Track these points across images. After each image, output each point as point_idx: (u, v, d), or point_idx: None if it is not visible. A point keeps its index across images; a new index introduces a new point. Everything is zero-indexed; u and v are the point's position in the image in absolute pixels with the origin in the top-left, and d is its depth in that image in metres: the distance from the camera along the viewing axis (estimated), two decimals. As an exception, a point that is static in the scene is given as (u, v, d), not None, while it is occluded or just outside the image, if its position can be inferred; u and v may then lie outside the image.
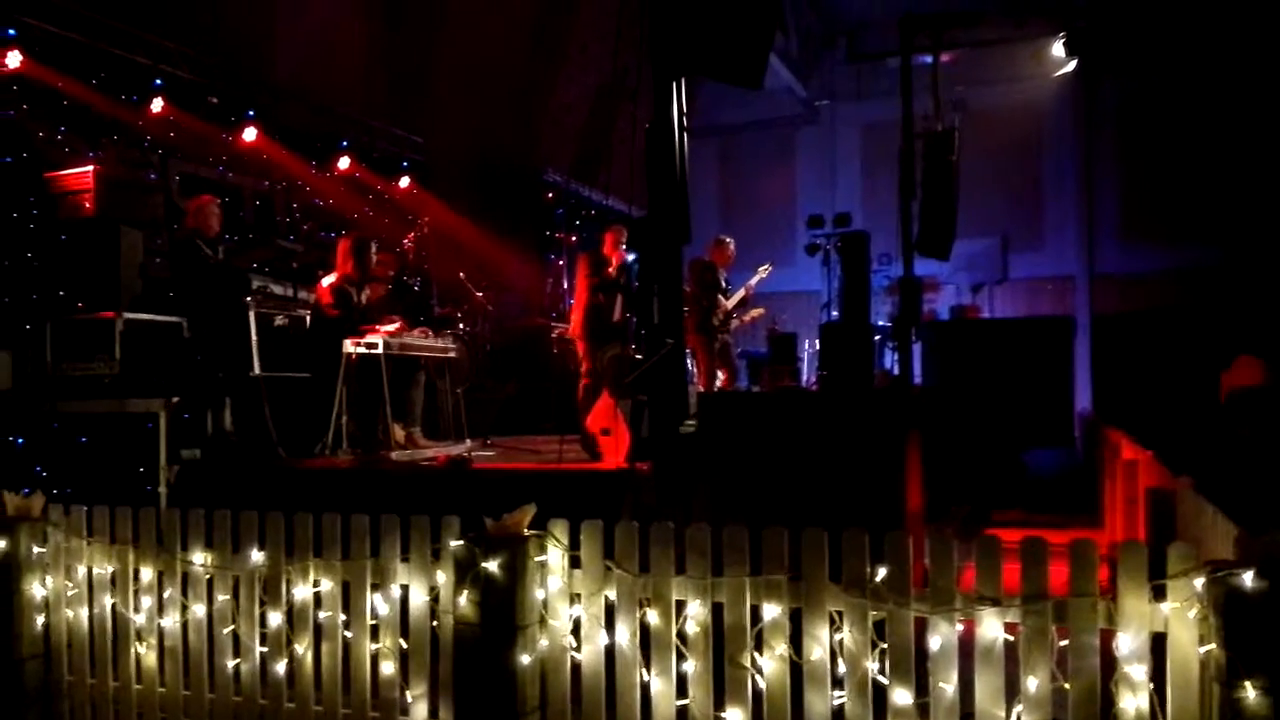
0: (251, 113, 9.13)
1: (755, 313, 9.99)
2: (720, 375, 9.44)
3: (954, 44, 12.89)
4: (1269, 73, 13.78)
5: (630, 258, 8.58)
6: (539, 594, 3.47)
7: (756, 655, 3.25)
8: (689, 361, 9.75)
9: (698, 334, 9.28)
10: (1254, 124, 14.02)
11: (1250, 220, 14.07)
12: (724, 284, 9.60)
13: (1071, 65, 14.63)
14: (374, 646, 3.74)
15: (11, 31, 7.01)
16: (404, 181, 11.18)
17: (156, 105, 8.14)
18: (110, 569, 4.15)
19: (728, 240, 9.89)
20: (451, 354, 7.75)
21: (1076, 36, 13.94)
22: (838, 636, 3.17)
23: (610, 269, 8.09)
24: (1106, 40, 14.29)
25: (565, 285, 11.38)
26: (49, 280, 6.97)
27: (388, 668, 3.70)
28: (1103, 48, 14.39)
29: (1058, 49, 14.34)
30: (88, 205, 7.43)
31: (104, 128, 7.85)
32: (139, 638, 4.11)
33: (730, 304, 9.58)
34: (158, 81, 8.15)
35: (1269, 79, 13.80)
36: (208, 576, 3.99)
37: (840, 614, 3.17)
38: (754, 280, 9.93)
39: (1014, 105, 15.67)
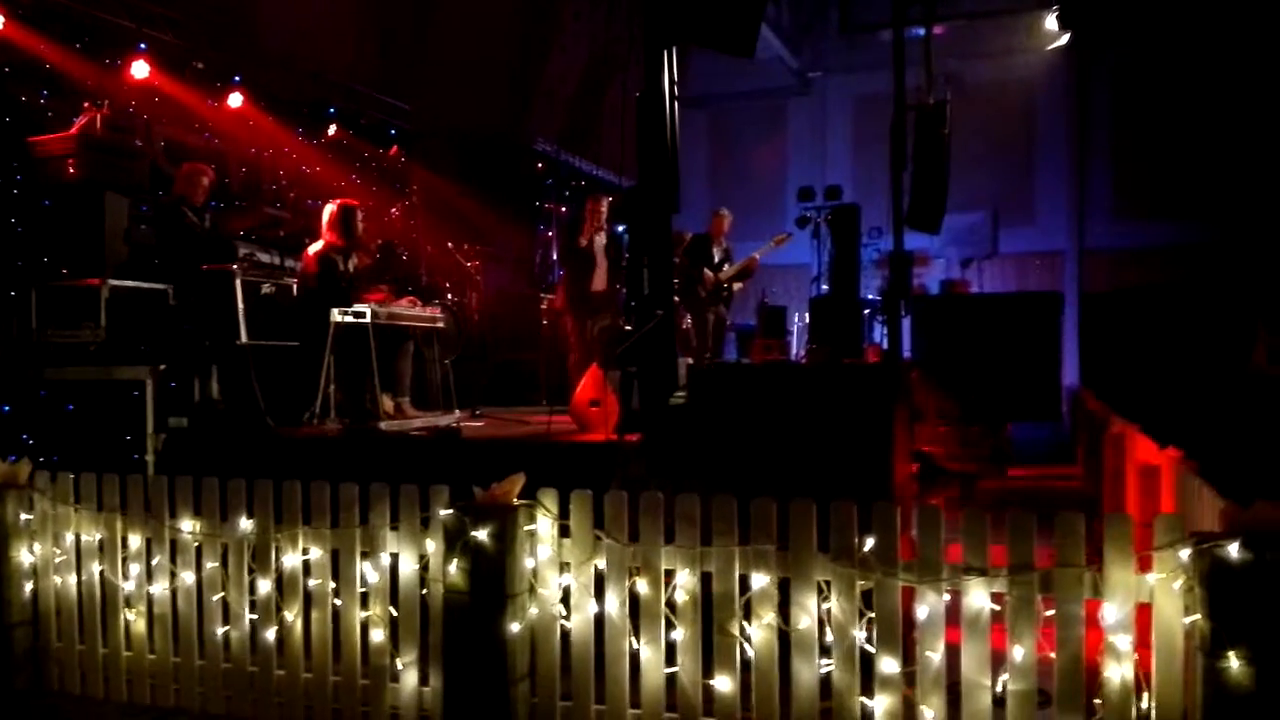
0: (238, 78, 9.02)
1: (741, 264, 9.69)
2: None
3: (947, 16, 12.86)
4: (1262, 49, 13.76)
5: (620, 228, 8.55)
6: (528, 563, 3.48)
7: (745, 624, 3.27)
8: None
9: (685, 307, 9.26)
10: (1246, 101, 14.03)
11: (1241, 197, 14.11)
12: (719, 257, 9.55)
13: (1064, 39, 14.62)
14: (364, 614, 3.75)
15: (-7, -7, 6.91)
16: (392, 150, 11.09)
17: (142, 70, 8.02)
18: (98, 536, 4.14)
19: (724, 212, 9.85)
20: (440, 324, 7.71)
21: (1069, 10, 13.91)
22: (825, 606, 3.19)
23: (582, 239, 8.05)
24: (1099, 14, 14.26)
25: (554, 255, 11.35)
26: (33, 246, 6.90)
27: (377, 635, 3.72)
28: (1095, 22, 14.36)
29: (1050, 23, 14.33)
30: (72, 170, 7.34)
31: (88, 92, 7.74)
32: (128, 605, 4.11)
33: (725, 276, 9.52)
34: (142, 46, 8.04)
35: (1262, 55, 13.79)
36: (196, 544, 3.99)
37: (828, 583, 3.19)
38: (759, 251, 9.79)
39: (1006, 79, 15.62)
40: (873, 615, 3.13)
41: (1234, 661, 2.57)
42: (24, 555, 4.21)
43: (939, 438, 9.12)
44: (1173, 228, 14.67)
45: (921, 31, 11.58)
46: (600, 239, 8.14)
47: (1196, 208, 14.47)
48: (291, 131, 9.91)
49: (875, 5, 14.12)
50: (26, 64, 7.25)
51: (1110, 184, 15.55)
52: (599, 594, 3.44)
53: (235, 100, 8.99)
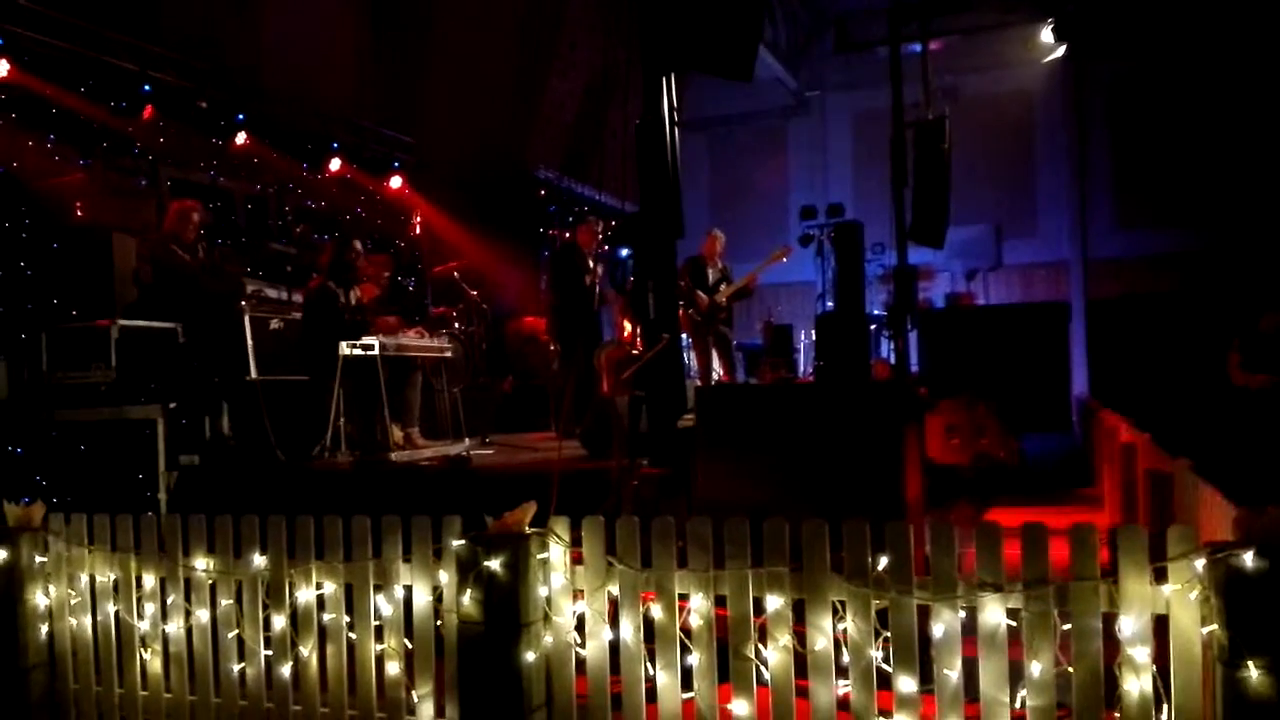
0: (241, 117, 9.12)
1: (740, 283, 9.57)
2: (719, 369, 9.40)
3: (943, 31, 12.93)
4: (1260, 55, 13.79)
5: (624, 253, 8.60)
6: (542, 591, 3.48)
7: (761, 646, 3.26)
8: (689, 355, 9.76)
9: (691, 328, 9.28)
10: (1245, 107, 14.04)
11: (1242, 203, 14.10)
12: (714, 277, 9.47)
13: (1061, 50, 14.67)
14: (379, 647, 3.75)
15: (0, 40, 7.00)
16: (396, 182, 11.17)
17: (146, 111, 8.13)
18: (113, 576, 4.15)
19: (716, 233, 9.66)
20: (447, 353, 7.75)
21: (1065, 21, 13.98)
22: (841, 626, 3.18)
23: (580, 264, 8.09)
24: (1095, 24, 14.32)
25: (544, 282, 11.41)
26: (43, 289, 6.96)
27: (393, 668, 3.71)
28: (1091, 32, 14.41)
29: (1046, 34, 14.39)
30: (79, 212, 7.42)
31: (94, 135, 7.83)
32: (143, 644, 4.12)
33: (721, 296, 9.40)
34: (147, 88, 8.14)
35: (1260, 61, 13.82)
36: (210, 581, 3.99)
37: (843, 603, 3.18)
38: (756, 269, 9.60)
39: (1004, 92, 15.68)
40: (888, 634, 3.11)
41: (1253, 671, 2.55)
42: (39, 598, 4.22)
43: (951, 450, 9.15)
44: (1177, 235, 14.65)
45: (918, 47, 11.66)
46: (591, 263, 8.19)
47: (1200, 214, 14.45)
48: (296, 166, 10.00)
49: (871, 23, 14.22)
50: (33, 108, 7.34)
51: (1112, 192, 15.55)
52: (613, 621, 3.43)
53: (239, 138, 9.09)
